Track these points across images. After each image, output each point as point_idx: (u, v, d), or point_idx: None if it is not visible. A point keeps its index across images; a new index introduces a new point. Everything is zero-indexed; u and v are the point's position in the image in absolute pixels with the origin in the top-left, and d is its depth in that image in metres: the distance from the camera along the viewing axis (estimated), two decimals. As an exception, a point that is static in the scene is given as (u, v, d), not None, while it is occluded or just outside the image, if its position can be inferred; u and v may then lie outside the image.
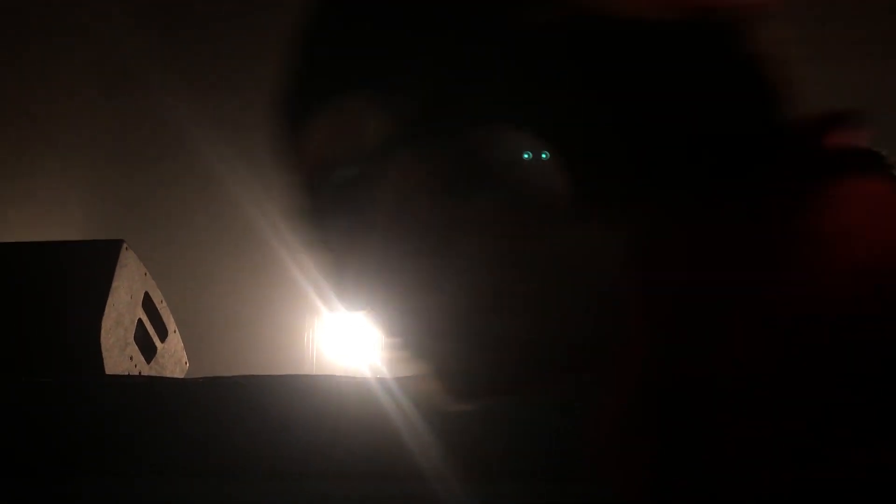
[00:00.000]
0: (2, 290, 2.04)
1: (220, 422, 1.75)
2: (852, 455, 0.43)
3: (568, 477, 1.51)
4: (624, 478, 0.55)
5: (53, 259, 2.10)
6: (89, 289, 2.03)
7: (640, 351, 0.54)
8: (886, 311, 0.46)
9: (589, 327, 0.60)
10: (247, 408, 1.76)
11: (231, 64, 3.91)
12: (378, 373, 1.69)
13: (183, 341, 2.36)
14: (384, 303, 0.66)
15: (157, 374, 2.20)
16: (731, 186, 0.56)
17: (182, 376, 2.31)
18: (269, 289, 4.08)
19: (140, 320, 2.16)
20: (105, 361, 1.97)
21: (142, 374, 2.13)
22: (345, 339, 4.23)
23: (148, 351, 2.20)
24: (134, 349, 2.11)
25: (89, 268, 2.06)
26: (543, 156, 0.58)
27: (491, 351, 0.64)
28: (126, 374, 2.05)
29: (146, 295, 2.19)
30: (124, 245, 2.11)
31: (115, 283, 2.04)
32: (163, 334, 2.27)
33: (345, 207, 0.65)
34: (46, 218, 3.88)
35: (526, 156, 0.58)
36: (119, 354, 2.04)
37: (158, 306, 2.25)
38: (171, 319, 2.31)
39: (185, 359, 2.37)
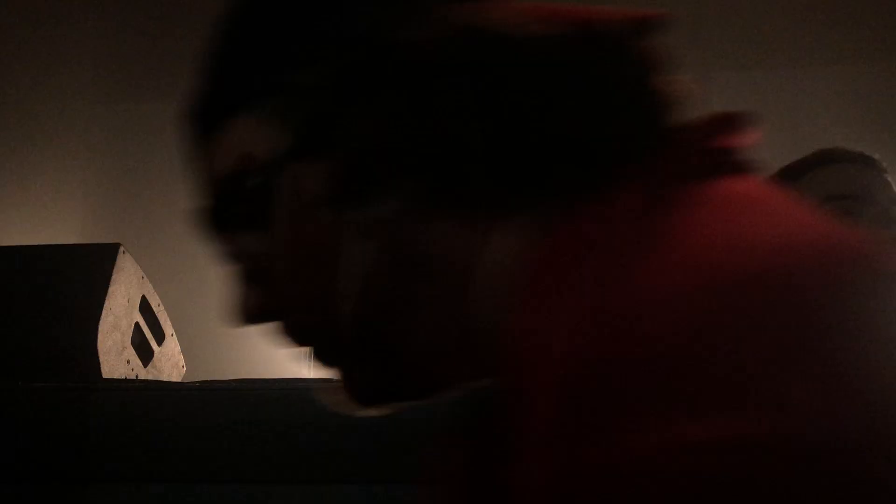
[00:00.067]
0: (-2, 294, 2.04)
1: (217, 426, 1.75)
2: None
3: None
4: None
5: (51, 263, 2.09)
6: (86, 292, 2.02)
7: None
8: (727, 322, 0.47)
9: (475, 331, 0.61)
10: (244, 412, 1.75)
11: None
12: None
13: (180, 345, 2.36)
14: (288, 314, 0.67)
15: (154, 378, 2.20)
16: (599, 193, 0.57)
17: (179, 380, 2.31)
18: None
19: (137, 324, 2.15)
20: (102, 365, 1.96)
21: (139, 377, 2.12)
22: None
23: (145, 355, 2.19)
24: (131, 353, 2.11)
25: (86, 271, 2.06)
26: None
27: (392, 358, 0.65)
28: (123, 377, 2.04)
29: (143, 298, 2.18)
30: (121, 249, 2.10)
31: (112, 287, 2.03)
32: (160, 338, 2.26)
33: (242, 220, 0.67)
34: (43, 221, 3.88)
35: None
36: (116, 358, 2.03)
37: (156, 310, 2.24)
38: (169, 323, 2.30)
39: (182, 362, 2.36)
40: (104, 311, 1.99)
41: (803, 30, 3.61)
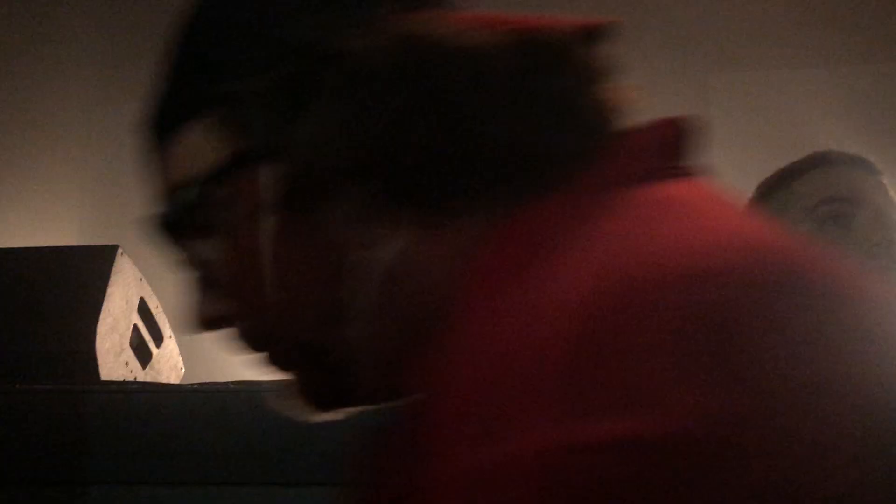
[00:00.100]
0: (-4, 296, 2.03)
1: (216, 428, 1.75)
2: None
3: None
4: None
5: (48, 264, 2.09)
6: (84, 294, 2.02)
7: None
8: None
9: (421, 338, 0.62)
10: (242, 414, 1.75)
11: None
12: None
13: (179, 347, 2.35)
14: (241, 320, 0.69)
15: (153, 380, 2.20)
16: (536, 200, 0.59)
17: (178, 382, 2.30)
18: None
19: (135, 326, 2.15)
20: (100, 367, 1.96)
21: (137, 379, 2.12)
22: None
23: (143, 356, 2.19)
24: (129, 355, 2.11)
25: (84, 273, 2.06)
26: None
27: (341, 363, 0.66)
28: (121, 379, 2.04)
29: (142, 300, 2.18)
30: (120, 250, 2.10)
31: (110, 289, 2.03)
32: (158, 340, 2.26)
33: (195, 228, 0.68)
34: (42, 223, 3.87)
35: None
36: (114, 360, 2.03)
37: (154, 312, 2.24)
38: (167, 325, 2.30)
39: (180, 364, 2.36)
40: (102, 313, 1.99)
41: (801, 31, 3.62)
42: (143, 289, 2.17)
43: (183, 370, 2.37)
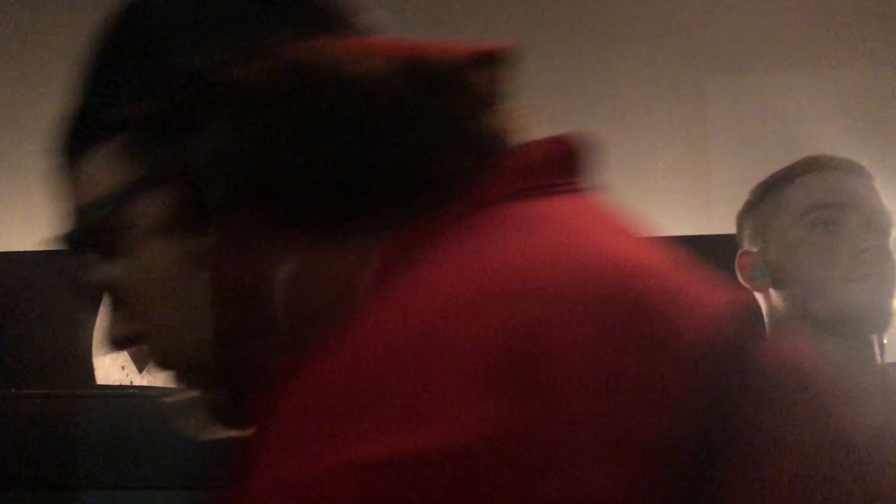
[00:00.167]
0: (-7, 300, 2.03)
1: (213, 431, 1.75)
2: None
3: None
4: None
5: (46, 267, 2.09)
6: (81, 297, 2.02)
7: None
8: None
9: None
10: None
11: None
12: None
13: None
14: (146, 340, 0.71)
15: (150, 384, 2.20)
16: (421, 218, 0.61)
17: (174, 386, 2.30)
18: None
19: (132, 330, 2.15)
20: (96, 371, 1.96)
21: (133, 383, 2.12)
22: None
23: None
24: (126, 358, 2.11)
25: (82, 275, 2.05)
26: None
27: (238, 382, 0.68)
28: (118, 383, 2.04)
29: (138, 304, 2.18)
30: (116, 254, 2.10)
31: (106, 293, 2.03)
32: (155, 343, 2.26)
33: (98, 250, 0.71)
34: (40, 225, 3.87)
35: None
36: (111, 364, 2.03)
37: (150, 315, 2.24)
38: (164, 328, 2.30)
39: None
40: (98, 317, 1.99)
41: (797, 34, 3.62)
42: (139, 292, 2.17)
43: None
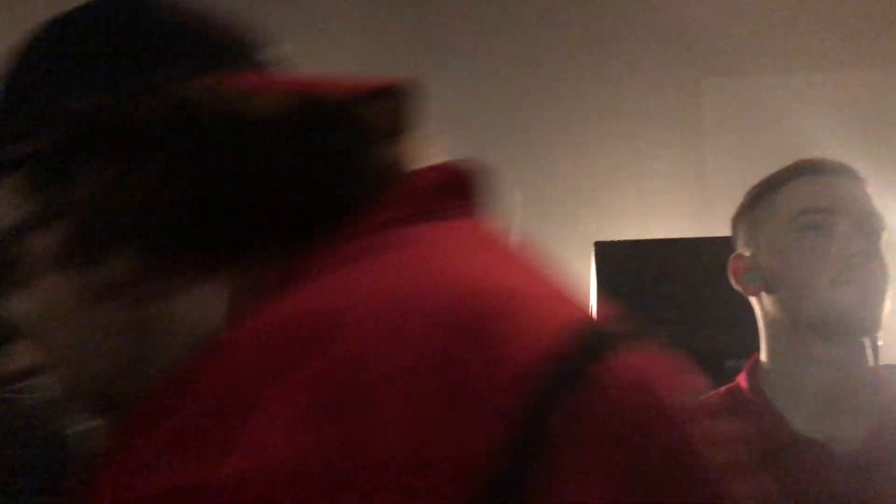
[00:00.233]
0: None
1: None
2: None
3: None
4: None
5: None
6: None
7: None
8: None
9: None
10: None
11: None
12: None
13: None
14: (47, 372, 0.72)
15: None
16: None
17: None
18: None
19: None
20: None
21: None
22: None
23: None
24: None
25: None
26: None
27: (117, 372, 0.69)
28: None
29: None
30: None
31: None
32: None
33: None
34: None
35: None
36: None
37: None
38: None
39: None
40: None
41: (794, 36, 3.63)
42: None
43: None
